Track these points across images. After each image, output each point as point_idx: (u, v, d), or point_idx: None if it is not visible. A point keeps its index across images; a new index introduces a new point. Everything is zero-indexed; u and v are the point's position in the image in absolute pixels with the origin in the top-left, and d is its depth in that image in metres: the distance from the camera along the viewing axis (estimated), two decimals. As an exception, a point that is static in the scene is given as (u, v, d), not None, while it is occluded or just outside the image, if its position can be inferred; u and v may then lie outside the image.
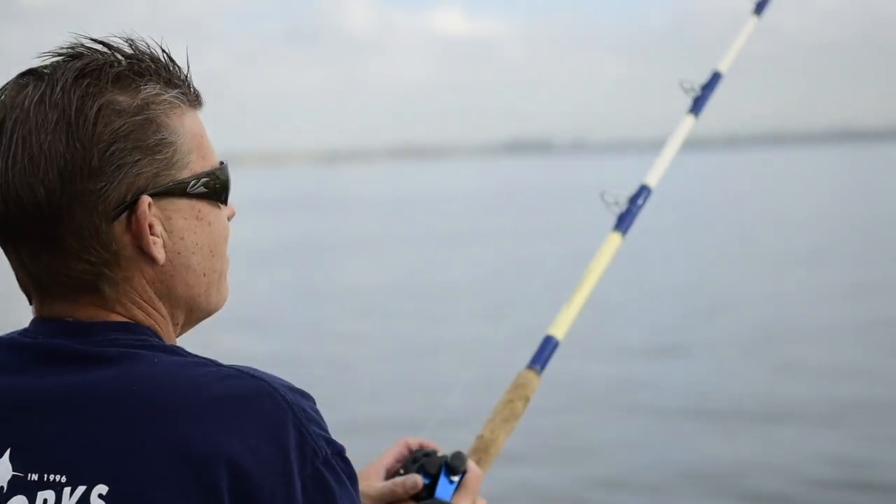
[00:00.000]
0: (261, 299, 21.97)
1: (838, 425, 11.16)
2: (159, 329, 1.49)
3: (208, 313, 1.57)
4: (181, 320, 1.55)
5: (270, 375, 1.42)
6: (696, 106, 2.48)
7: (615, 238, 2.21)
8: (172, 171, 1.45)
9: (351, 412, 11.72)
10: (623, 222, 2.21)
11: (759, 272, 24.39)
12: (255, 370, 1.43)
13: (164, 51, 1.50)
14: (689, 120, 2.46)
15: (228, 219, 1.57)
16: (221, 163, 1.54)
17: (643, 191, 2.25)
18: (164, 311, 1.50)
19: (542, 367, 2.27)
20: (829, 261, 25.87)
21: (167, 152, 1.44)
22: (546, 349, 2.27)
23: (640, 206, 2.22)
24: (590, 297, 2.31)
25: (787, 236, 33.90)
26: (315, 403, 1.44)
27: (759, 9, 2.69)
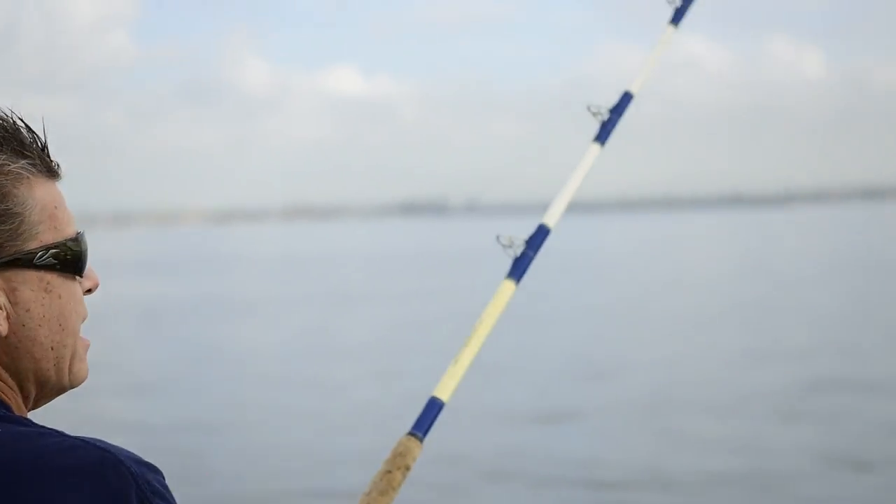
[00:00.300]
0: (148, 363, 21.55)
1: (719, 497, 11.17)
2: (7, 400, 1.47)
3: (62, 389, 1.54)
4: (32, 393, 1.52)
5: (117, 447, 1.39)
6: (603, 133, 2.27)
7: (508, 286, 2.00)
8: (18, 242, 1.44)
9: (238, 481, 11.39)
10: (518, 268, 1.99)
11: (649, 337, 24.55)
12: (102, 441, 1.39)
13: (21, 120, 1.48)
14: (595, 149, 2.24)
15: (91, 290, 1.56)
16: (78, 234, 1.51)
17: (541, 231, 2.02)
18: (11, 382, 1.48)
19: (425, 433, 2.12)
20: (718, 326, 26.17)
21: (12, 223, 1.43)
22: (430, 413, 2.11)
23: (538, 249, 2.00)
24: (478, 358, 2.14)
25: (678, 301, 34.33)
26: (164, 478, 1.41)
27: (677, 18, 2.49)
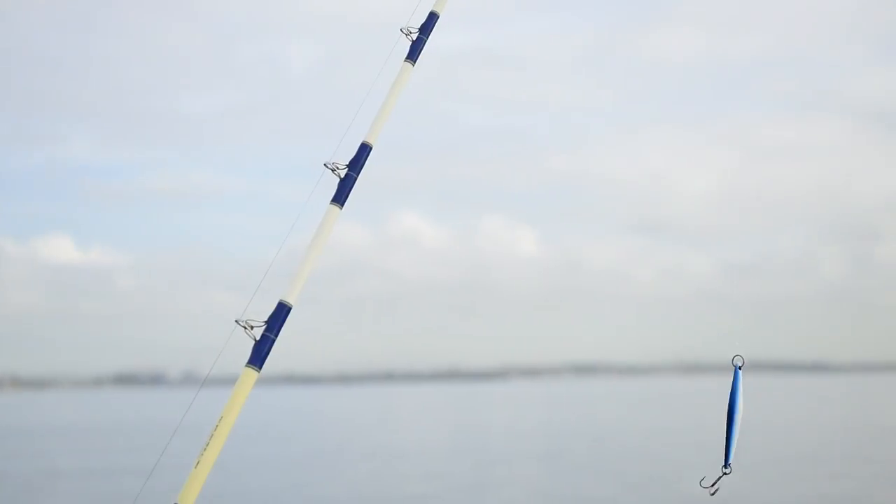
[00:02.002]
0: None
1: None
2: None
3: None
4: None
5: None
6: (342, 191, 2.26)
7: (250, 374, 1.96)
8: None
9: None
10: (258, 353, 1.95)
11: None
12: None
13: None
14: (335, 210, 2.24)
15: None
16: None
17: (281, 310, 2.01)
18: None
19: None
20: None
21: None
22: (172, 520, 1.96)
23: (279, 330, 1.97)
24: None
25: (386, 473, 34.38)
26: None
27: (412, 55, 2.55)
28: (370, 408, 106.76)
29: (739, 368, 2.09)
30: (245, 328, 1.97)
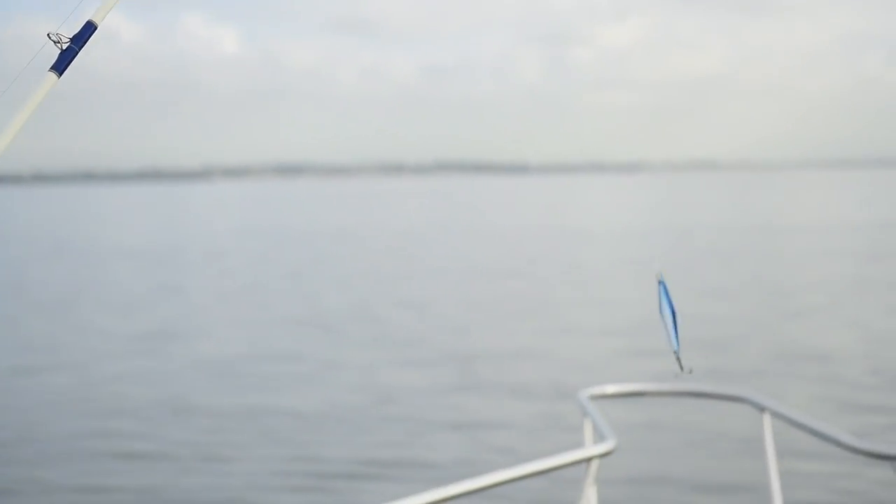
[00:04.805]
0: None
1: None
2: None
3: None
4: None
5: None
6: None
7: (52, 78, 2.25)
8: None
9: None
10: (61, 63, 2.25)
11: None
12: None
13: None
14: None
15: None
16: None
17: (89, 27, 2.30)
18: None
19: None
20: (101, 311, 26.15)
21: None
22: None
23: (84, 43, 2.30)
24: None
25: (91, 275, 34.20)
26: None
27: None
28: (70, 209, 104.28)
29: (661, 283, 2.47)
30: (56, 42, 2.29)
